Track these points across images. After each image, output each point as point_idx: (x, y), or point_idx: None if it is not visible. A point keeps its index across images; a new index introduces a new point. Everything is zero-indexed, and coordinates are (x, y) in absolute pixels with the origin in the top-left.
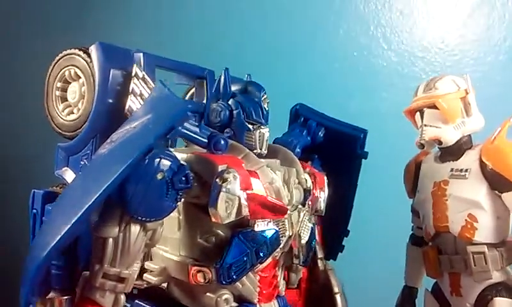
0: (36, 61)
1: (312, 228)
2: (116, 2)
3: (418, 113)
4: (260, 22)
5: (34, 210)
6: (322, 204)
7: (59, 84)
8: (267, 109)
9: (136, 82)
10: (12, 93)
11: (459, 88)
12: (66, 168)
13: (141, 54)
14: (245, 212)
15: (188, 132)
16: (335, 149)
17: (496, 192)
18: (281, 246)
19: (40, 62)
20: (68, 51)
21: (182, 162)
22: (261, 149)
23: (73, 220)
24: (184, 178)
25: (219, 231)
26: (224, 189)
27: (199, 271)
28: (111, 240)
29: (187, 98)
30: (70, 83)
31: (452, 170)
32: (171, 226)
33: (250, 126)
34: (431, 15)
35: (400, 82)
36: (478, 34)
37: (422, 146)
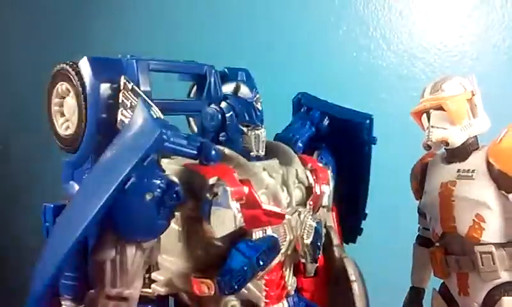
0: (31, 67)
1: (316, 227)
2: (110, 9)
3: (424, 115)
4: (259, 22)
5: (47, 224)
6: (326, 200)
7: (56, 100)
8: (260, 109)
9: (125, 94)
10: (8, 101)
11: (466, 90)
12: (72, 182)
13: (134, 61)
14: (240, 223)
15: (175, 147)
16: (342, 137)
17: (504, 192)
18: (282, 251)
19: (35, 69)
20: (59, 66)
21: (171, 177)
22: (258, 151)
23: (58, 260)
24: (174, 195)
25: (218, 243)
26: (215, 204)
27: (202, 283)
28: (108, 262)
29: (191, 95)
30: (64, 98)
31: (459, 171)
32: (173, 237)
33: (244, 129)
34: (431, 15)
35: (400, 83)
36: (477, 35)
37: (428, 147)
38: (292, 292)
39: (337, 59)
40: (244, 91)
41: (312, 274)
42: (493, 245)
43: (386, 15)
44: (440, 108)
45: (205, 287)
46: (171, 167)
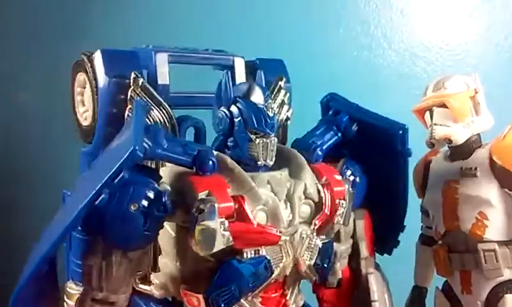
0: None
1: (321, 247)
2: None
3: (427, 112)
4: (259, 21)
5: None
6: (342, 217)
7: (78, 89)
8: (271, 115)
9: (134, 90)
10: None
11: (469, 87)
12: None
13: (152, 53)
14: (228, 241)
15: (169, 154)
16: (373, 145)
17: (507, 190)
18: (276, 274)
19: (35, 68)
20: (81, 56)
21: (162, 186)
22: (265, 160)
23: (41, 255)
24: (161, 207)
25: (209, 258)
26: (200, 221)
27: (191, 296)
28: (95, 267)
29: None
30: (85, 88)
31: (462, 169)
32: (170, 242)
33: (252, 136)
34: (432, 14)
35: (401, 82)
36: (479, 34)
37: (432, 145)
38: None
39: (338, 58)
40: (255, 95)
41: (334, 285)
42: (496, 243)
43: (387, 14)
44: (443, 105)
45: (195, 300)
46: (171, 174)
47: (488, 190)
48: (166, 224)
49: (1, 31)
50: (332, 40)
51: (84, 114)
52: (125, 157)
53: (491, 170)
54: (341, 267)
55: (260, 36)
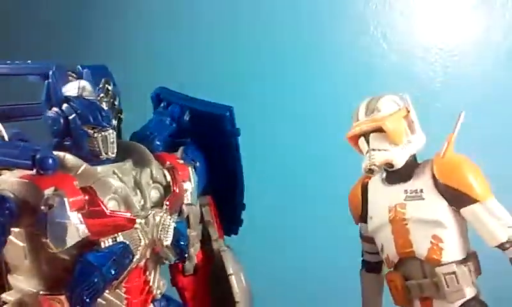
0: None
1: (176, 227)
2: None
3: (362, 138)
4: (259, 22)
5: None
6: (190, 197)
7: None
8: (106, 108)
9: None
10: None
11: (400, 107)
12: None
13: None
14: (83, 234)
15: (6, 158)
16: (208, 130)
17: (455, 208)
18: (136, 257)
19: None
20: None
21: (4, 192)
22: (107, 153)
23: None
24: (6, 211)
25: (64, 256)
26: (51, 217)
27: (52, 300)
28: None
29: None
30: None
31: (406, 192)
32: (19, 254)
33: (90, 132)
34: (431, 15)
35: (400, 83)
36: (478, 34)
37: (371, 171)
38: (159, 296)
39: (337, 59)
40: (88, 90)
41: (191, 272)
42: (454, 263)
43: (387, 14)
44: (379, 129)
45: (57, 304)
46: (10, 180)
47: (437, 210)
48: (12, 237)
49: (1, 31)
50: (331, 41)
51: None
52: None
53: (436, 189)
54: (195, 252)
55: (259, 37)
